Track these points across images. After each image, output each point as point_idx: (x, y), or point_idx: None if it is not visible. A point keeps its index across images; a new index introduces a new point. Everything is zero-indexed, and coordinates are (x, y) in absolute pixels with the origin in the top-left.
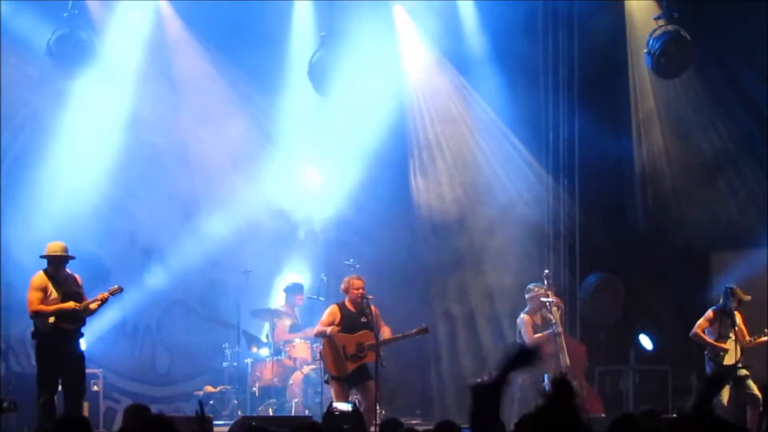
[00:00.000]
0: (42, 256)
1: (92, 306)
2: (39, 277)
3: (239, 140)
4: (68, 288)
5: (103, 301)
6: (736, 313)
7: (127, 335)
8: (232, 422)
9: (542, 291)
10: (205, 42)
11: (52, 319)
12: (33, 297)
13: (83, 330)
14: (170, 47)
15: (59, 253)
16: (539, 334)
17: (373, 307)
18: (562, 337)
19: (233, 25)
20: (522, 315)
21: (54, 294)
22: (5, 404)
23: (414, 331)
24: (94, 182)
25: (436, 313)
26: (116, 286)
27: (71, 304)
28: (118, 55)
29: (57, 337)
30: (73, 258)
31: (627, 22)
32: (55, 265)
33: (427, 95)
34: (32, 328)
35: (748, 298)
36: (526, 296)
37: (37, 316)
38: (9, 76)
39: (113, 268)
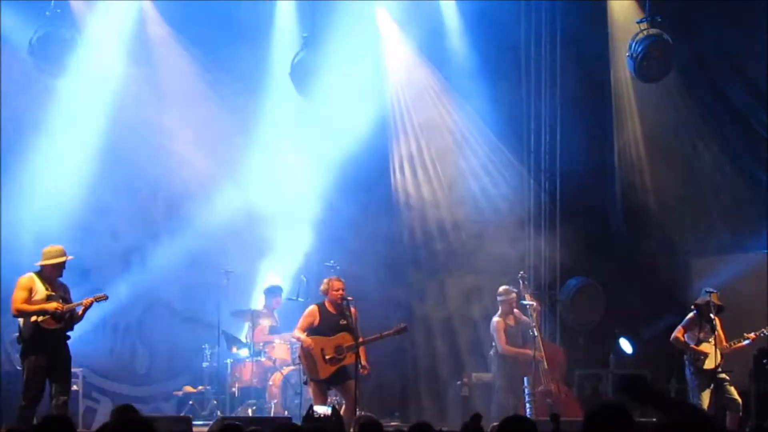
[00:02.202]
0: (41, 264)
1: (78, 311)
2: (26, 277)
3: (221, 140)
4: (56, 291)
5: (87, 307)
6: (714, 317)
7: (107, 334)
8: (211, 422)
9: (513, 294)
10: (188, 42)
11: (33, 318)
12: (17, 296)
13: (70, 334)
14: (153, 47)
15: (61, 260)
16: (515, 349)
17: (352, 309)
18: (540, 340)
19: (216, 25)
20: (494, 318)
21: (40, 294)
22: None
23: (392, 330)
24: (75, 181)
25: (416, 316)
26: (102, 294)
27: (54, 304)
28: (101, 55)
29: (41, 337)
30: (71, 258)
31: (609, 25)
32: (53, 271)
33: (409, 97)
34: (17, 333)
35: (720, 303)
36: (499, 299)
37: (20, 314)
38: None
39: (94, 268)
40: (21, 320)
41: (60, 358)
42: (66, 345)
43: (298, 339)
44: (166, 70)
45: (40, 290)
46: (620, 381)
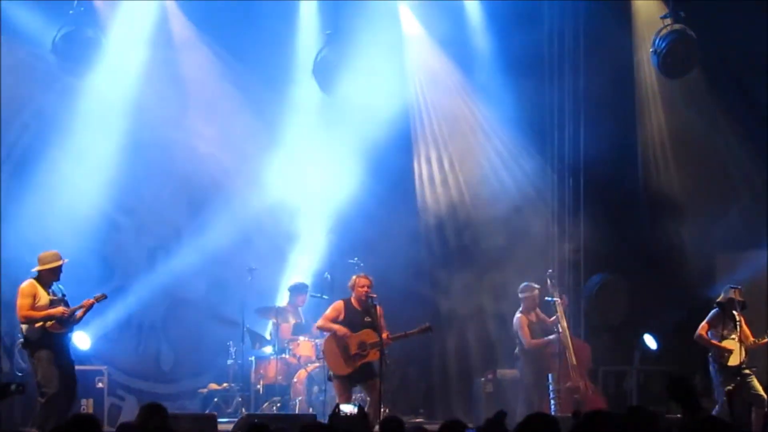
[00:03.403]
0: (38, 270)
1: (78, 314)
2: (29, 284)
3: (244, 138)
4: (56, 295)
5: (88, 308)
6: (737, 314)
7: (131, 332)
8: (236, 420)
9: (536, 290)
10: (211, 40)
11: (40, 324)
12: (23, 303)
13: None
14: (176, 45)
15: (58, 264)
16: (537, 340)
17: (378, 308)
18: (568, 336)
19: (238, 23)
20: (517, 315)
21: (43, 300)
22: (13, 386)
23: (416, 330)
24: (99, 180)
25: (441, 313)
26: (101, 294)
27: (60, 309)
28: (124, 53)
29: (48, 341)
30: (66, 261)
31: (633, 20)
32: (50, 275)
33: (431, 94)
34: (21, 339)
35: (742, 299)
36: (520, 295)
37: (28, 321)
38: (15, 73)
39: (117, 266)
40: (25, 326)
41: (65, 361)
42: (69, 348)
43: (329, 328)
44: (189, 69)
45: (43, 296)
46: (669, 380)
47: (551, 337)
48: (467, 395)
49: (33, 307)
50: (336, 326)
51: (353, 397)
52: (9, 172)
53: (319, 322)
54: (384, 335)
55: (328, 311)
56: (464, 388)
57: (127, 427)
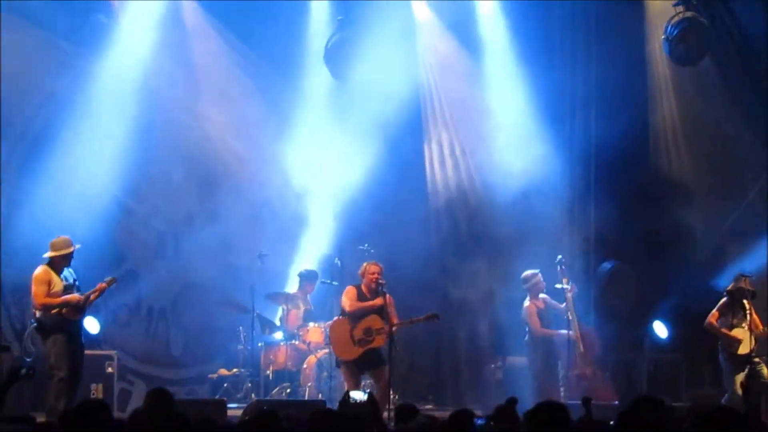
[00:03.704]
0: (49, 256)
1: (92, 297)
2: (42, 271)
3: (255, 123)
4: (67, 281)
5: (101, 292)
6: (747, 303)
7: (141, 317)
8: (245, 406)
9: (538, 276)
10: (222, 25)
11: (55, 310)
12: (39, 290)
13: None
14: (187, 30)
15: (70, 250)
16: (548, 330)
17: (388, 296)
18: (576, 324)
19: (250, 8)
20: (526, 303)
21: (57, 286)
22: (23, 371)
23: (423, 317)
24: (110, 164)
25: (451, 299)
26: (112, 278)
27: (76, 297)
28: (135, 38)
29: (63, 326)
30: (78, 247)
31: (645, 7)
32: (62, 261)
33: (442, 80)
34: (34, 324)
35: (752, 288)
36: (524, 285)
37: (45, 308)
38: (27, 57)
39: (128, 251)
40: (40, 313)
41: (77, 347)
42: (81, 334)
43: (362, 306)
44: (200, 54)
45: (57, 281)
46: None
47: (561, 331)
48: (477, 382)
49: (48, 294)
50: (367, 303)
51: (362, 384)
52: (21, 156)
53: (350, 307)
54: (393, 321)
55: (350, 294)
56: (474, 375)
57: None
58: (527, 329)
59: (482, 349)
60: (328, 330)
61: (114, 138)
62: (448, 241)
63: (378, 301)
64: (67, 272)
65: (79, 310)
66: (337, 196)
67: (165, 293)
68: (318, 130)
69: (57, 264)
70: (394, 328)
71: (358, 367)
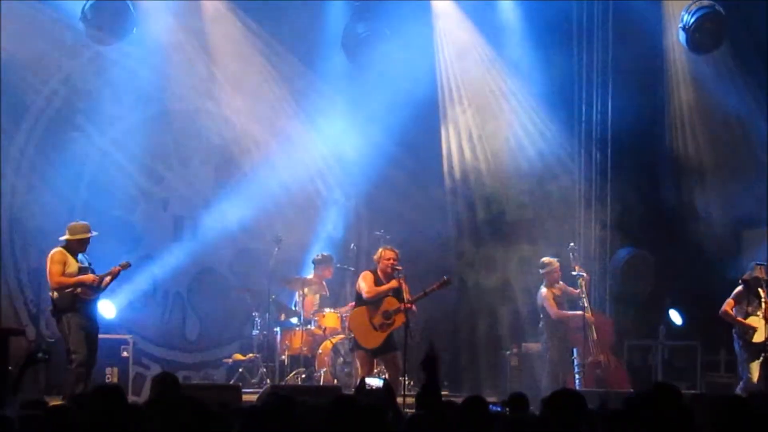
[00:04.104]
0: (66, 239)
1: (105, 280)
2: (58, 252)
3: (273, 108)
4: (83, 264)
5: (115, 276)
6: (762, 291)
7: (157, 302)
8: (260, 391)
9: (556, 264)
10: (240, 11)
11: (70, 290)
12: (54, 269)
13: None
14: (205, 15)
15: (87, 236)
16: (567, 312)
17: (404, 284)
18: (590, 311)
19: None
20: (542, 289)
21: (72, 267)
22: (40, 354)
23: (435, 285)
24: (126, 148)
25: (466, 286)
26: (126, 262)
27: (90, 276)
28: (153, 22)
29: (78, 307)
30: (96, 234)
31: None
32: (78, 246)
33: (460, 67)
34: (51, 307)
35: (767, 277)
36: (542, 271)
37: (60, 287)
38: (43, 41)
39: (144, 235)
40: (56, 293)
41: (92, 328)
42: (96, 316)
43: (380, 291)
44: (218, 39)
45: (72, 263)
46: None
47: (578, 312)
48: (493, 368)
49: (64, 274)
50: (384, 287)
51: (375, 369)
52: (37, 139)
53: (369, 293)
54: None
55: (368, 280)
56: (489, 362)
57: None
58: (542, 315)
59: (498, 335)
60: (346, 320)
61: (131, 122)
62: (465, 226)
63: (393, 283)
64: (82, 257)
65: (94, 289)
66: (354, 181)
67: (181, 277)
68: (335, 116)
69: (73, 248)
70: (411, 305)
71: (374, 352)
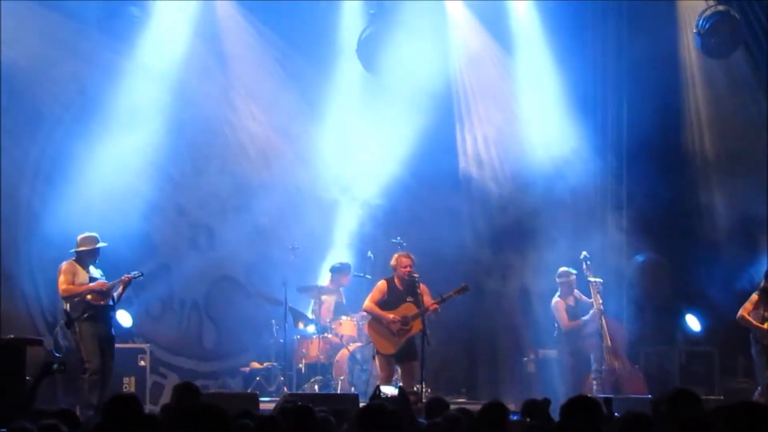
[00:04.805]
0: (76, 251)
1: (118, 291)
2: (68, 263)
3: (288, 116)
4: (93, 276)
5: (126, 285)
6: None
7: (174, 310)
8: (278, 399)
9: (572, 275)
10: (255, 18)
11: (80, 298)
12: (62, 279)
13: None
14: (220, 23)
15: (95, 246)
16: (573, 322)
17: (422, 285)
18: (603, 319)
19: (282, 2)
20: (554, 299)
21: (82, 278)
22: (55, 365)
23: (453, 291)
24: (142, 157)
25: (483, 293)
26: (138, 272)
27: (99, 282)
28: (168, 31)
29: (90, 314)
30: (105, 245)
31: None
32: (88, 257)
33: (475, 74)
34: (64, 319)
35: None
36: (558, 280)
37: (69, 296)
38: (60, 50)
39: (161, 243)
40: (67, 304)
41: (106, 336)
42: (110, 324)
43: (376, 314)
44: (233, 46)
45: (82, 273)
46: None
47: (586, 317)
48: (510, 375)
49: (72, 284)
50: (382, 313)
51: (394, 376)
52: (54, 149)
53: (367, 305)
54: (431, 307)
55: (374, 293)
56: (507, 368)
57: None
58: (556, 324)
59: (515, 342)
60: (363, 326)
61: (146, 130)
62: (482, 233)
63: (390, 315)
64: (93, 269)
65: (104, 295)
66: (370, 188)
67: (198, 286)
68: (350, 123)
69: (83, 259)
70: (433, 309)
71: (395, 358)
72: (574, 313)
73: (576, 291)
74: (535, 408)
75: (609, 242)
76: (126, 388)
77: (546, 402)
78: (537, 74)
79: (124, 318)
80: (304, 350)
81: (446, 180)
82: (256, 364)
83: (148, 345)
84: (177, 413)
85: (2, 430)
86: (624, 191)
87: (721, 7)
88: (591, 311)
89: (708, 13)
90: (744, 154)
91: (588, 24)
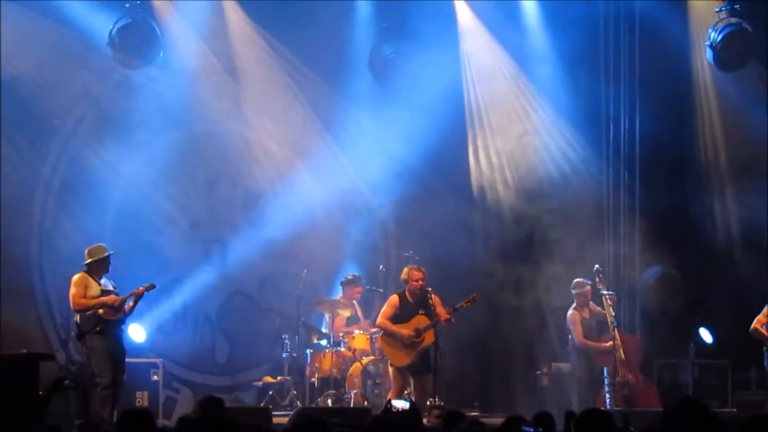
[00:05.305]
0: (87, 263)
1: (130, 303)
2: (80, 276)
3: (300, 130)
4: (106, 287)
5: (138, 297)
6: None
7: (186, 325)
8: (291, 413)
9: (588, 286)
10: (267, 33)
11: (91, 311)
12: (75, 293)
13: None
14: (231, 37)
15: (105, 254)
16: (591, 343)
17: (434, 296)
18: (616, 332)
19: (295, 14)
20: (570, 311)
21: (94, 290)
22: (67, 381)
23: (464, 302)
24: (155, 171)
25: (495, 305)
26: (150, 284)
27: (111, 297)
28: (180, 46)
29: (101, 328)
30: (113, 252)
31: (689, 13)
32: (99, 267)
33: (486, 88)
34: (75, 331)
35: None
36: (573, 291)
37: (81, 309)
38: (71, 65)
39: (173, 258)
40: (78, 316)
41: (117, 350)
42: (121, 338)
43: (389, 330)
44: (245, 61)
45: (94, 286)
46: None
47: (602, 344)
48: (524, 388)
49: (85, 297)
50: (396, 329)
51: (407, 389)
52: (66, 164)
53: (380, 321)
54: (444, 317)
55: (386, 308)
56: (520, 381)
57: (187, 421)
58: (570, 337)
59: (529, 355)
60: (376, 341)
61: (157, 146)
62: (493, 246)
63: (405, 331)
64: (106, 279)
65: (116, 310)
66: (382, 202)
67: (211, 300)
68: (362, 136)
69: (94, 271)
70: (443, 322)
71: (408, 370)
72: (588, 325)
73: (591, 303)
74: (545, 420)
75: (622, 255)
76: (139, 402)
77: (570, 414)
78: (549, 88)
79: (137, 332)
80: (316, 364)
81: (458, 193)
82: (269, 379)
83: (160, 359)
84: (194, 426)
85: None
86: (636, 204)
87: (732, 20)
88: (608, 342)
89: (720, 26)
90: (759, 169)
91: (600, 36)
